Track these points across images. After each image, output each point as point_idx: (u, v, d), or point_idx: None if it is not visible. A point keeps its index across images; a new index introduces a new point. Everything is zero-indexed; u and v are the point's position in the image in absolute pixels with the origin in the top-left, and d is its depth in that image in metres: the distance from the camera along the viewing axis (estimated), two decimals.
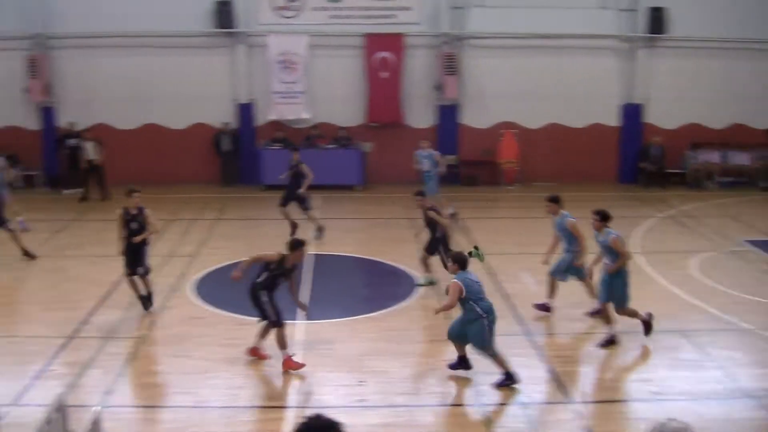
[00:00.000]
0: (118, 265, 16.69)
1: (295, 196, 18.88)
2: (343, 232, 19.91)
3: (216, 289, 15.43)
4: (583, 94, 25.87)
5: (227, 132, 25.37)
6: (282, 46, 25.15)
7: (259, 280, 11.74)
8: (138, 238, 14.00)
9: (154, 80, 25.25)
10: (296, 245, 11.88)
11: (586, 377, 11.75)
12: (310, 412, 4.60)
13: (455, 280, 10.87)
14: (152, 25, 24.57)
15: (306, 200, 18.95)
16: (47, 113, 25.65)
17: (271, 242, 18.06)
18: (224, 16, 24.86)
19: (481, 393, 10.95)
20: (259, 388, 11.34)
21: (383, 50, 25.31)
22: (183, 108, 25.48)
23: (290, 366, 11.58)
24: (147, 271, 14.33)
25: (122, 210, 14.32)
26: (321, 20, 25.27)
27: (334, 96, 25.50)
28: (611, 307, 12.52)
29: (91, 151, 24.05)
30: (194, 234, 19.44)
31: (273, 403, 10.83)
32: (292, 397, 10.96)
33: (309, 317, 13.14)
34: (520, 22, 25.24)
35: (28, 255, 17.47)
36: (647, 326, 12.72)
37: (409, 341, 12.85)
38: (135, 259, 14.18)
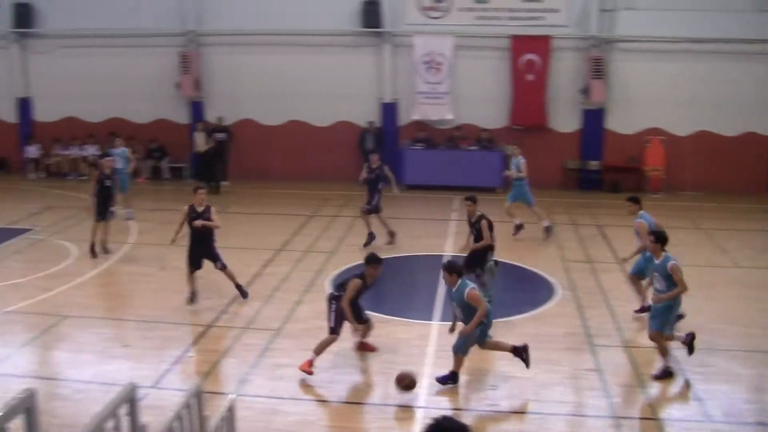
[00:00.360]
0: (258, 258, 17.10)
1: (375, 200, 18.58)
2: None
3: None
4: (736, 102, 24.72)
5: (371, 131, 25.53)
6: (427, 47, 25.14)
7: (338, 293, 11.79)
8: (198, 223, 14.47)
9: (300, 77, 25.64)
10: (372, 261, 11.69)
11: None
12: (439, 413, 4.50)
13: (473, 288, 11.00)
14: (300, 23, 25.00)
15: (375, 202, 18.61)
16: (196, 107, 26.43)
17: (411, 243, 18.13)
18: (371, 15, 25.03)
19: (616, 405, 10.63)
20: (389, 386, 11.31)
21: (529, 52, 24.96)
22: (328, 106, 25.78)
23: (305, 367, 11.47)
24: (223, 266, 14.76)
25: (188, 206, 14.71)
26: (467, 21, 25.12)
27: (477, 97, 25.30)
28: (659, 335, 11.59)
29: (201, 142, 24.74)
30: (334, 230, 19.63)
31: (402, 403, 10.78)
32: (422, 398, 10.89)
33: (442, 318, 13.05)
34: (670, 26, 24.36)
35: (94, 252, 17.75)
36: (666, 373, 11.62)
37: (545, 348, 12.59)
38: (202, 255, 14.62)
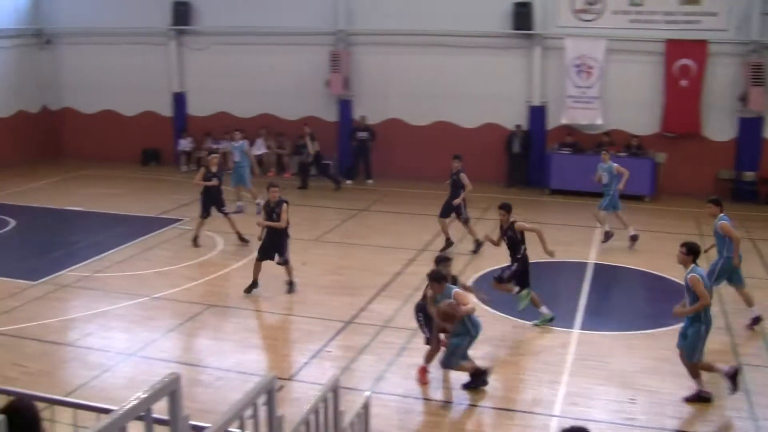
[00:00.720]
0: (401, 257, 17.15)
1: (451, 206, 18.24)
2: (627, 243, 19.18)
3: (492, 290, 15.34)
4: None
5: (518, 134, 25.22)
6: (579, 50, 24.65)
7: (422, 302, 11.65)
8: (263, 223, 15.11)
9: (448, 78, 25.58)
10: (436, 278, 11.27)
11: None
12: (574, 423, 4.35)
13: (458, 291, 10.91)
14: (450, 24, 24.94)
15: (463, 211, 18.23)
16: (344, 106, 26.74)
17: (554, 249, 17.82)
18: (522, 17, 24.73)
19: (762, 428, 10.14)
20: (526, 392, 11.13)
21: (685, 57, 24.12)
22: (475, 107, 25.61)
23: (420, 376, 11.33)
24: (285, 261, 15.13)
25: (264, 202, 15.42)
26: (620, 24, 24.48)
27: (628, 103, 24.64)
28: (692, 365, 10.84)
29: (310, 144, 25.19)
30: (476, 233, 19.44)
31: (537, 410, 10.59)
32: (557, 406, 10.67)
33: (582, 326, 12.78)
34: None
35: (243, 240, 18.38)
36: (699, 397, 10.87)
37: None
38: (272, 247, 15.06)
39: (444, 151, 25.55)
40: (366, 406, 6.75)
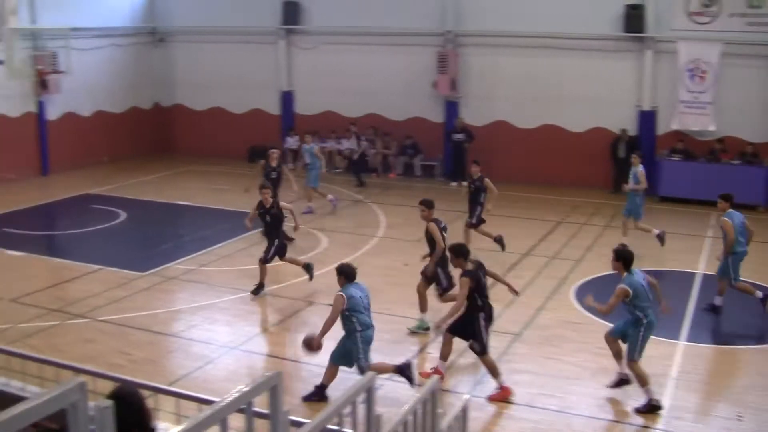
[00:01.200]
0: (503, 261, 17.00)
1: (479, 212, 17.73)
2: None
3: (597, 297, 15.03)
4: None
5: (624, 138, 24.70)
6: (692, 54, 23.98)
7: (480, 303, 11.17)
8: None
9: (556, 81, 25.23)
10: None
11: None
12: None
13: (339, 293, 10.53)
14: (559, 26, 24.58)
15: (480, 217, 17.73)
16: (451, 107, 26.63)
17: (662, 256, 17.44)
18: (635, 20, 24.19)
19: None
20: (628, 403, 10.87)
21: None
22: (583, 111, 25.17)
23: (499, 397, 10.90)
24: (265, 260, 15.19)
25: (257, 203, 15.45)
26: (737, 27, 23.68)
27: (743, 109, 23.84)
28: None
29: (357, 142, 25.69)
30: (581, 239, 19.14)
31: (639, 423, 10.33)
32: (662, 419, 10.38)
33: (688, 339, 12.45)
34: None
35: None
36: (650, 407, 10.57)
37: None
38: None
39: (550, 154, 25.36)
40: (464, 410, 6.67)
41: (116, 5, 29.08)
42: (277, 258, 15.32)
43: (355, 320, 10.66)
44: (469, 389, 10.92)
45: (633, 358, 10.68)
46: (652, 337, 11.67)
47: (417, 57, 26.54)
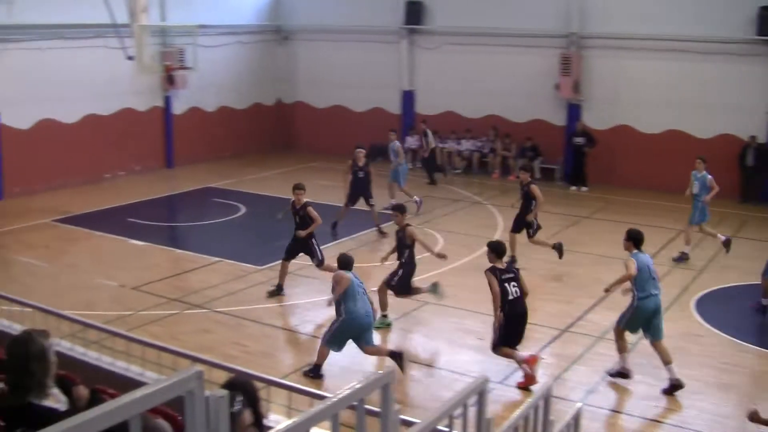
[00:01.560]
0: (622, 268, 16.63)
1: (524, 221, 17.19)
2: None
3: (720, 308, 14.62)
4: None
5: (753, 146, 23.84)
6: None
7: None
8: (302, 233, 15.21)
9: (682, 85, 24.48)
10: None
11: None
12: None
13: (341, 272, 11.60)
14: (687, 29, 23.85)
15: (533, 226, 17.16)
16: (573, 110, 26.23)
17: None
18: (767, 22, 23.30)
19: None
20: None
21: None
22: (710, 116, 24.37)
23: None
24: (320, 262, 15.27)
25: (290, 202, 15.60)
26: None
27: None
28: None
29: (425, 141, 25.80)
30: (704, 248, 18.56)
31: None
32: None
33: None
34: None
35: (382, 232, 19.03)
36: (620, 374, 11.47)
37: None
38: (298, 247, 15.27)
39: (675, 160, 24.60)
40: (576, 418, 6.54)
41: (243, 3, 29.74)
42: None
43: (342, 306, 11.45)
44: (582, 397, 10.71)
45: (619, 326, 11.55)
46: None
47: (540, 58, 26.24)
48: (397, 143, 22.37)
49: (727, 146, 24.09)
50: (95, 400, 5.64)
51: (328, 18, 29.87)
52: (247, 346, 12.72)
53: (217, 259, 17.38)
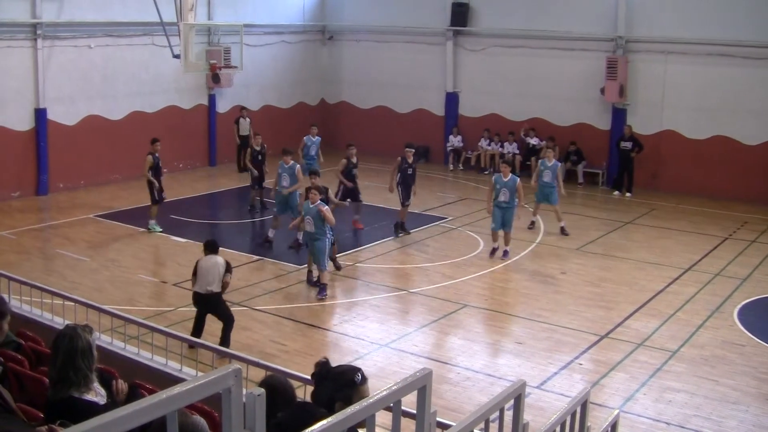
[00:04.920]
0: (664, 274, 16.52)
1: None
2: None
3: (763, 318, 14.42)
4: None
5: None
6: None
7: None
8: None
9: (730, 91, 24.06)
10: None
11: None
12: None
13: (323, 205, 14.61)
14: (735, 34, 23.50)
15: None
16: (618, 114, 25.98)
17: None
18: None
19: None
20: None
21: None
22: (759, 123, 23.93)
23: None
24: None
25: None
26: None
27: None
28: None
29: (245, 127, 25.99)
30: (749, 256, 18.28)
31: None
32: None
33: None
34: None
35: (402, 230, 19.24)
36: None
37: None
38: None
39: (721, 167, 24.34)
40: (614, 425, 6.51)
41: (288, 3, 29.88)
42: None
43: (327, 229, 14.68)
44: (620, 405, 10.62)
45: None
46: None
47: (585, 62, 26.05)
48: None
49: None
50: (134, 395, 5.71)
51: (373, 18, 29.92)
52: (286, 345, 12.78)
53: (257, 257, 17.48)
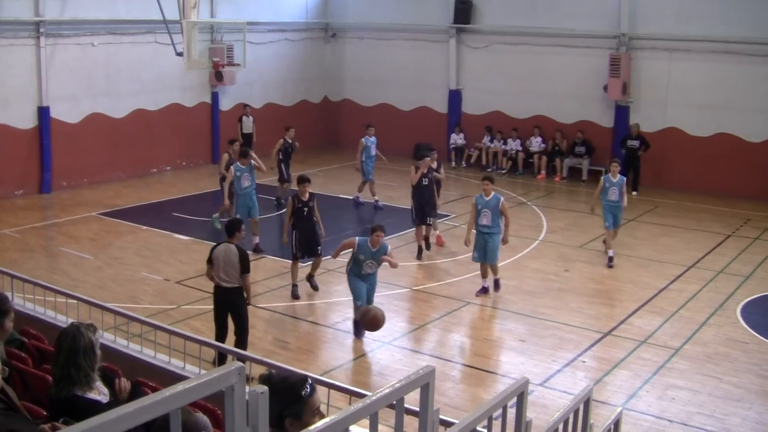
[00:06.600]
0: (667, 272, 16.50)
1: None
2: None
3: (766, 315, 14.41)
4: None
5: None
6: None
7: None
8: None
9: (733, 88, 24.03)
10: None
11: None
12: None
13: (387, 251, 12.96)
14: (737, 31, 23.46)
15: None
16: (621, 112, 25.96)
17: None
18: None
19: None
20: None
21: None
22: (762, 120, 23.91)
23: None
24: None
25: (291, 197, 15.30)
26: None
27: None
28: None
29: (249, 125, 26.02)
30: (752, 254, 18.26)
31: None
32: None
33: None
34: None
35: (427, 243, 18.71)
36: None
37: None
38: (310, 245, 15.18)
39: (724, 164, 24.30)
40: (617, 423, 6.51)
41: (291, 1, 29.86)
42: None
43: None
44: (623, 402, 10.62)
45: None
46: None
47: (588, 59, 26.02)
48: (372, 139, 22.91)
49: None
50: (136, 392, 5.72)
51: (376, 16, 29.92)
52: (288, 343, 12.79)
53: (260, 255, 17.48)
